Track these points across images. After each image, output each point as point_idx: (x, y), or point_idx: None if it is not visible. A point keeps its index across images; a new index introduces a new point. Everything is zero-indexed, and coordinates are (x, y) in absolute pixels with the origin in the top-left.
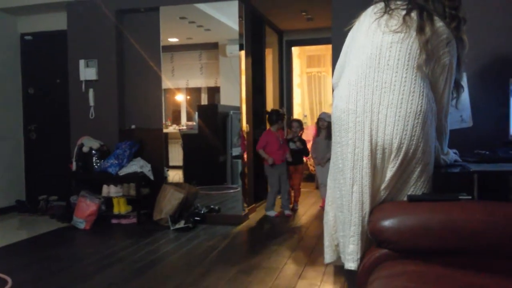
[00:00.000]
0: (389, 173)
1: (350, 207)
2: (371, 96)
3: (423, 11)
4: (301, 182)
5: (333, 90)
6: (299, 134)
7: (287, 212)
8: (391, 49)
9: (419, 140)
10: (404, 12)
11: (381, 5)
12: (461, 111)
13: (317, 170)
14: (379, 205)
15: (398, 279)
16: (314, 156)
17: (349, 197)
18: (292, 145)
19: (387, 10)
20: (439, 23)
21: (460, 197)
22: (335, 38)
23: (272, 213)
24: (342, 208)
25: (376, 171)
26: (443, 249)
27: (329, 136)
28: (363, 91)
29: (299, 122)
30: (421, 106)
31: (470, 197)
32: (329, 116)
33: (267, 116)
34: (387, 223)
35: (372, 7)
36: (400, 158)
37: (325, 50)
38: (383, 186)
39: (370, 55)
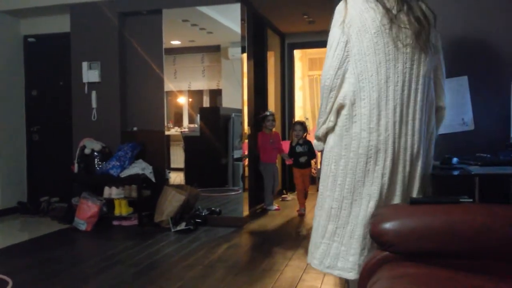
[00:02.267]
0: (407, 183)
1: (364, 222)
2: (393, 114)
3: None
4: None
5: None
6: (304, 136)
7: (271, 207)
8: (408, 64)
9: (432, 149)
10: (405, 17)
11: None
12: (462, 114)
13: None
14: (380, 208)
15: (399, 281)
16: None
17: (364, 212)
18: (299, 149)
19: (390, 15)
20: (423, 5)
21: (461, 200)
22: None
23: (272, 207)
24: (337, 218)
25: (394, 183)
26: (444, 252)
27: None
28: (385, 109)
29: (301, 124)
30: (433, 116)
31: (471, 200)
32: None
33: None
34: (388, 225)
35: (362, 1)
36: (418, 169)
37: None
38: (397, 194)
39: (387, 71)
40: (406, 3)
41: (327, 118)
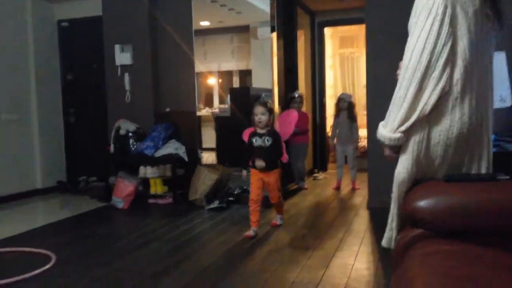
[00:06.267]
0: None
1: None
2: (486, 99)
3: None
4: (280, 192)
5: (370, 73)
6: (270, 124)
7: (301, 184)
8: (491, 46)
9: None
10: None
11: None
12: (500, 91)
13: (337, 151)
14: (415, 185)
15: (432, 257)
16: (333, 136)
17: None
18: (257, 142)
19: None
20: None
21: (498, 177)
22: (368, 18)
23: (302, 184)
24: None
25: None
26: (480, 229)
27: (350, 117)
28: (481, 93)
29: (265, 105)
30: None
31: (508, 177)
32: (349, 96)
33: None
34: (422, 203)
35: None
36: None
37: (358, 30)
38: None
39: (482, 53)
40: None
41: (420, 106)
